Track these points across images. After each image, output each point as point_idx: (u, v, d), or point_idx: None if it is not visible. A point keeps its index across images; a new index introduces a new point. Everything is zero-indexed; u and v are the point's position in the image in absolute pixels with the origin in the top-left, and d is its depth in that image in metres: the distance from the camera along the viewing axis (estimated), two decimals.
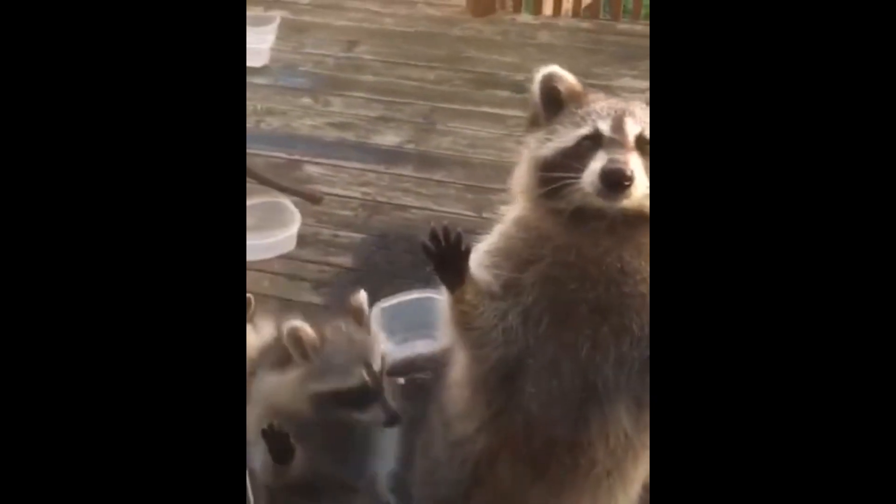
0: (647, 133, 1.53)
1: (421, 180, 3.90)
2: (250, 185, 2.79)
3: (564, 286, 1.58)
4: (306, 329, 1.87)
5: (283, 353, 1.90)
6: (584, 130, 1.55)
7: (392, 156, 4.08)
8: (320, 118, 4.42)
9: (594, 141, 1.53)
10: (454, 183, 3.85)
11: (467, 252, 1.58)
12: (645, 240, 1.54)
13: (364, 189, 3.82)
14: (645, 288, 1.55)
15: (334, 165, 3.99)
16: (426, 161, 4.03)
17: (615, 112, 1.57)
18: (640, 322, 1.56)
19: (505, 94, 4.56)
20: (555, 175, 1.52)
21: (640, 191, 1.49)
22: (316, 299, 3.14)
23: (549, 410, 1.62)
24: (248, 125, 2.99)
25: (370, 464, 2.03)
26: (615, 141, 1.52)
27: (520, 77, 4.47)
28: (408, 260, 3.24)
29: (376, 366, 1.91)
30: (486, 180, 3.69)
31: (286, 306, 2.83)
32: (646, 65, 4.73)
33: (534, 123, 1.66)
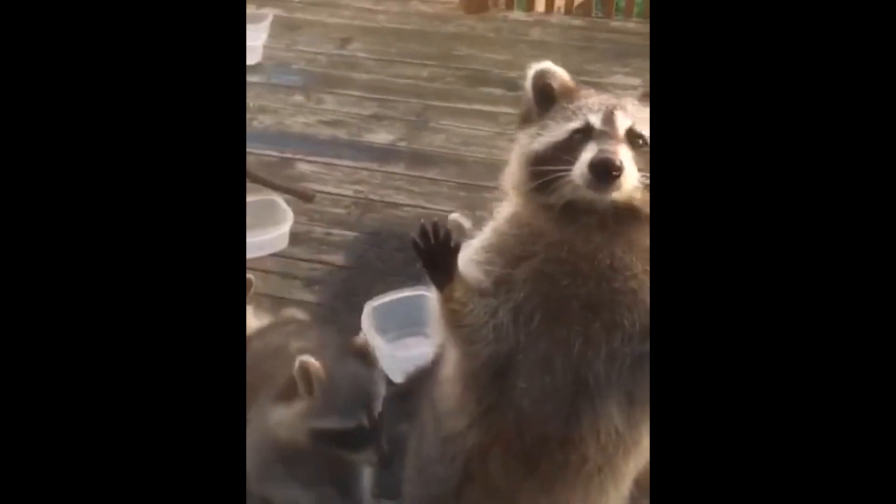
0: (637, 127, 1.54)
1: (413, 178, 3.90)
2: None
3: (556, 282, 1.58)
4: (315, 364, 1.90)
5: (290, 385, 1.93)
6: (575, 124, 1.56)
7: (385, 154, 4.08)
8: (313, 116, 4.41)
9: (585, 134, 1.54)
10: (447, 181, 3.86)
11: (456, 249, 1.58)
12: (636, 235, 1.55)
13: (356, 187, 3.82)
14: (636, 284, 1.56)
15: (327, 163, 3.98)
16: (419, 159, 4.03)
17: (606, 106, 1.57)
18: (632, 318, 1.56)
19: (498, 91, 4.56)
20: (546, 169, 1.53)
21: (629, 183, 1.49)
22: (308, 297, 3.14)
23: (541, 407, 1.62)
24: None
25: (360, 496, 2.10)
26: (605, 133, 1.52)
27: (512, 74, 4.49)
28: (400, 258, 3.25)
29: (377, 408, 1.94)
30: (478, 178, 3.69)
31: (278, 303, 2.83)
32: (638, 62, 4.78)
33: (526, 119, 1.67)
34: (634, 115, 1.56)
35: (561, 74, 1.65)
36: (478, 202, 3.43)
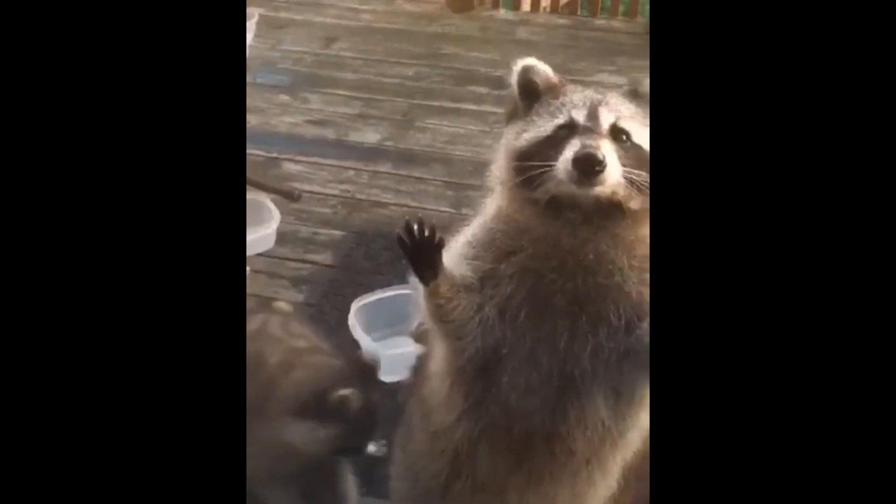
0: (621, 122, 1.56)
1: (400, 177, 3.90)
2: None
3: (542, 277, 1.59)
4: (356, 397, 1.94)
5: (329, 409, 1.94)
6: (560, 120, 1.57)
7: (371, 153, 4.08)
8: (299, 115, 4.41)
9: (569, 129, 1.55)
10: (433, 180, 3.86)
11: (440, 245, 1.58)
12: (619, 230, 1.57)
13: (343, 186, 3.82)
14: (621, 278, 1.57)
15: (313, 163, 3.98)
16: (405, 158, 4.04)
17: (590, 102, 1.59)
18: (617, 312, 1.57)
19: (484, 90, 4.57)
20: (530, 164, 1.54)
21: (612, 177, 1.50)
22: (295, 296, 3.14)
23: (527, 401, 1.63)
24: None
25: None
26: (588, 129, 1.53)
27: (498, 73, 4.49)
28: (387, 257, 3.25)
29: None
30: (465, 177, 3.70)
31: (264, 303, 2.83)
32: (623, 60, 4.80)
33: (512, 116, 1.68)
34: (619, 111, 1.58)
35: (545, 71, 1.66)
36: (464, 201, 3.45)
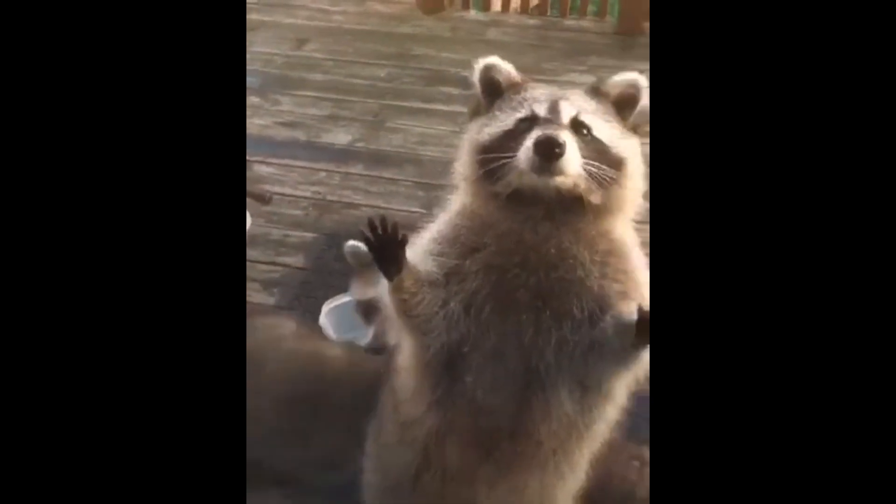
0: (582, 116, 1.58)
1: (371, 178, 3.90)
2: None
3: (506, 273, 1.61)
4: None
5: None
6: (521, 113, 1.60)
7: (342, 154, 4.08)
8: (269, 117, 4.39)
9: (530, 122, 1.58)
10: (405, 180, 3.86)
11: (404, 241, 1.60)
12: (581, 225, 1.59)
13: (314, 188, 3.81)
14: (583, 272, 1.59)
15: (284, 165, 3.97)
16: (376, 159, 4.03)
17: (552, 97, 1.62)
18: (581, 306, 1.59)
19: (455, 90, 4.57)
20: (492, 156, 1.57)
21: (572, 167, 1.52)
22: (267, 299, 3.12)
23: (493, 394, 1.65)
24: None
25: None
26: (549, 120, 1.57)
27: (469, 74, 4.48)
28: None
29: None
30: (436, 177, 3.69)
31: None
32: (593, 60, 4.82)
33: (475, 113, 1.71)
34: (580, 106, 1.60)
35: (507, 68, 1.69)
36: (436, 201, 3.43)
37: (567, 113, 1.57)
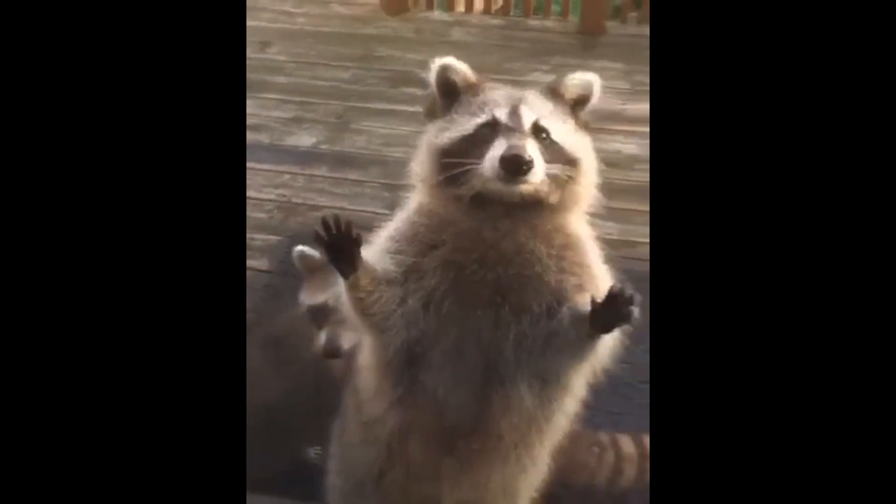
0: (542, 121, 1.59)
1: (336, 180, 3.88)
2: None
3: (464, 270, 1.62)
4: None
5: None
6: (482, 119, 1.60)
7: (306, 157, 4.06)
8: None
9: (492, 128, 1.58)
10: (370, 182, 3.85)
11: (358, 240, 1.60)
12: (538, 221, 1.61)
13: (279, 191, 3.79)
14: (541, 268, 1.61)
15: (248, 168, 3.93)
16: (341, 161, 4.02)
17: (511, 100, 1.62)
18: (539, 301, 1.61)
19: (419, 91, 4.54)
20: (455, 161, 1.57)
21: (538, 176, 1.54)
22: None
23: (454, 391, 1.66)
24: None
25: None
26: (511, 128, 1.57)
27: (426, 74, 4.48)
28: None
29: None
30: (401, 178, 3.62)
31: None
32: (556, 60, 4.82)
33: (432, 113, 1.71)
34: (539, 110, 1.61)
35: (463, 69, 1.68)
36: (401, 201, 3.41)
37: (528, 118, 1.58)
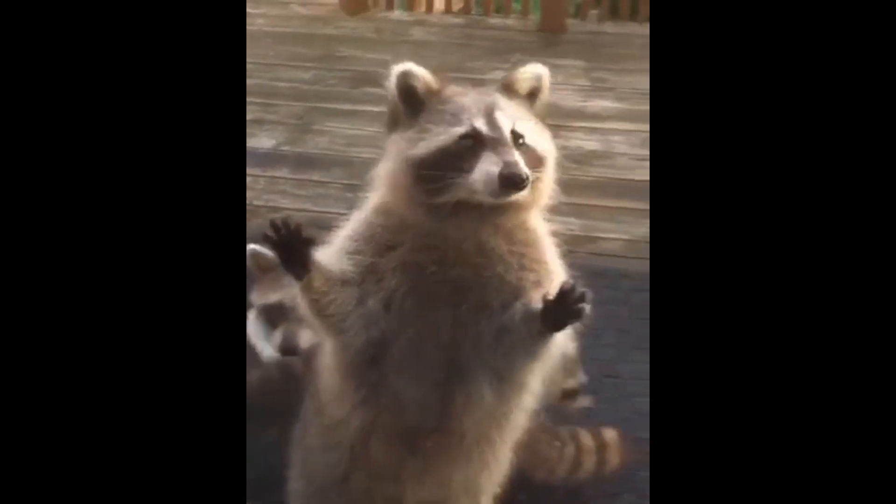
0: (517, 127, 1.58)
1: (298, 182, 3.86)
2: None
3: (424, 269, 1.61)
4: None
5: None
6: (461, 129, 1.55)
7: (268, 158, 4.02)
8: None
9: (475, 140, 1.55)
10: (333, 183, 3.83)
11: (308, 240, 1.59)
12: (502, 220, 1.60)
13: None
14: (502, 267, 1.60)
15: None
16: (303, 162, 4.00)
17: (483, 106, 1.60)
18: (499, 299, 1.60)
19: (381, 91, 4.48)
20: (437, 174, 1.54)
21: (528, 189, 1.53)
22: None
23: (416, 390, 1.65)
24: None
25: None
26: (496, 140, 1.54)
27: (385, 80, 4.47)
28: None
29: None
30: (365, 179, 3.64)
31: None
32: (516, 57, 4.83)
33: (395, 122, 1.66)
34: (511, 114, 1.59)
35: (423, 74, 1.64)
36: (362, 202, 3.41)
37: (506, 126, 1.56)
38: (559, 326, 1.54)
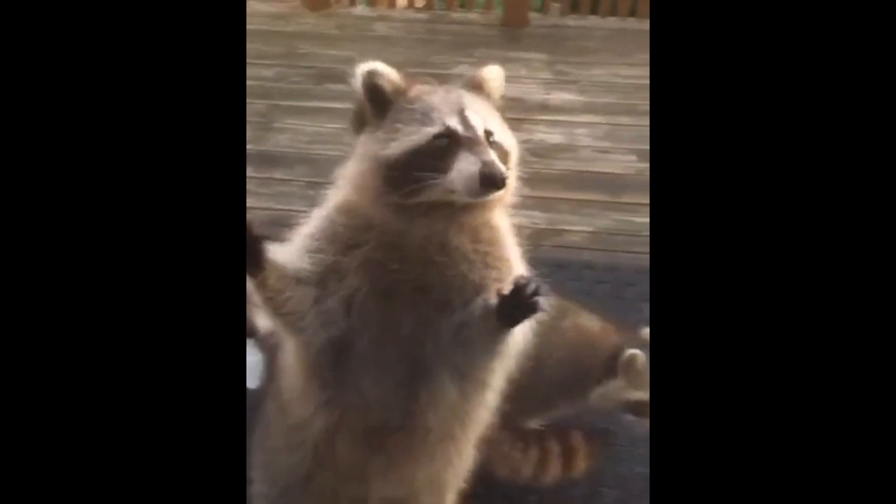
0: (487, 124, 1.57)
1: (261, 180, 3.82)
2: None
3: (386, 268, 1.60)
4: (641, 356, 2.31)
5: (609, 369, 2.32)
6: (434, 129, 1.54)
7: None
8: None
9: (450, 139, 1.53)
10: (296, 180, 3.81)
11: (259, 238, 1.57)
12: (468, 218, 1.60)
13: None
14: (466, 266, 1.60)
15: None
16: (266, 160, 3.96)
17: (454, 105, 1.58)
18: (462, 297, 1.60)
19: (344, 87, 4.46)
20: (410, 174, 1.52)
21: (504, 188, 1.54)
22: None
23: (380, 388, 1.64)
24: None
25: None
26: (471, 139, 1.53)
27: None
28: None
29: None
30: (328, 176, 3.62)
31: None
32: (480, 52, 4.83)
33: (362, 122, 1.64)
34: (481, 112, 1.59)
35: (389, 73, 1.62)
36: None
37: (479, 125, 1.55)
38: (515, 321, 1.54)
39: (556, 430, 2.36)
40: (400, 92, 1.61)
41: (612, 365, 2.26)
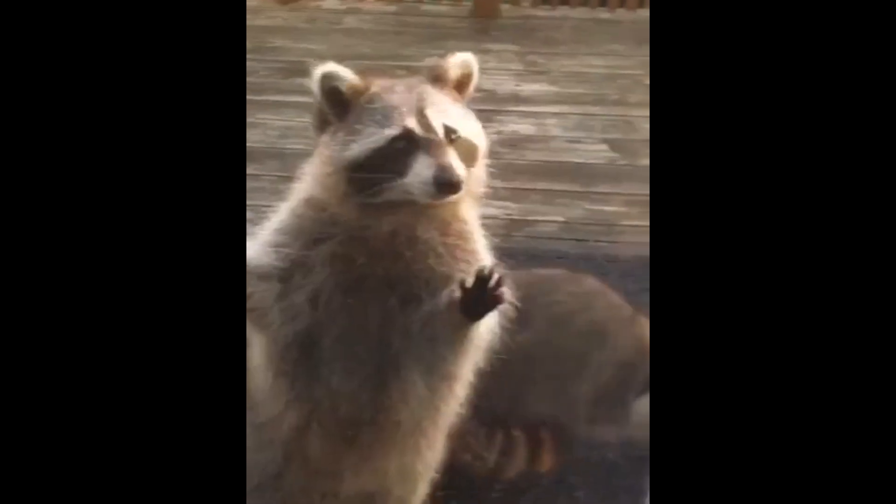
0: (449, 122, 1.56)
1: None
2: None
3: (353, 262, 1.60)
4: None
5: None
6: (393, 131, 1.54)
7: None
8: None
9: (408, 140, 1.53)
10: (267, 175, 3.78)
11: None
12: (437, 212, 1.60)
13: None
14: (434, 260, 1.60)
15: None
16: None
17: (413, 103, 1.58)
18: (429, 291, 1.60)
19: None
20: (371, 176, 1.53)
21: (463, 188, 1.53)
22: None
23: (349, 383, 1.64)
24: None
25: None
26: (429, 140, 1.53)
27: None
28: None
29: None
30: (298, 171, 3.62)
31: None
32: (451, 44, 4.83)
33: (323, 123, 1.65)
34: (442, 108, 1.58)
35: (346, 74, 1.61)
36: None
37: (438, 123, 1.54)
38: (479, 314, 1.54)
39: (522, 423, 2.36)
40: (358, 92, 1.60)
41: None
